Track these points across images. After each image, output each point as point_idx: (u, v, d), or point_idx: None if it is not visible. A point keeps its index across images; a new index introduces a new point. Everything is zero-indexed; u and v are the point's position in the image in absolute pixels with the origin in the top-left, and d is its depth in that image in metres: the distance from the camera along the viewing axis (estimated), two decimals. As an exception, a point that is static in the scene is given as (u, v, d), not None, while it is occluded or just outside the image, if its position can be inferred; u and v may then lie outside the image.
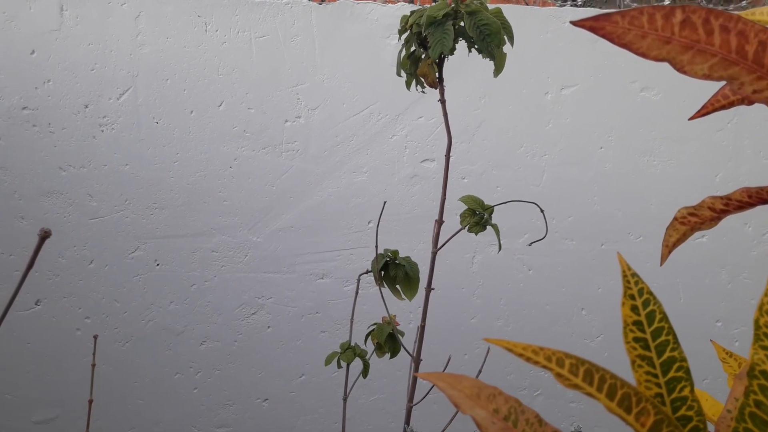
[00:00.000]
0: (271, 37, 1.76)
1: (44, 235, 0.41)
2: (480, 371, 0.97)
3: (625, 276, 0.32)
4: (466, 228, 0.84)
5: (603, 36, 0.31)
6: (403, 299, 1.03)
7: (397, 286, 1.04)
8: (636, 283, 0.32)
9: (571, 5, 2.10)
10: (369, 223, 1.89)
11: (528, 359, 0.30)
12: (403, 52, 0.87)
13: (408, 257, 1.03)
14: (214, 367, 1.90)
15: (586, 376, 0.30)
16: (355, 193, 1.87)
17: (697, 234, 2.05)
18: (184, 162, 1.78)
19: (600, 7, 1.92)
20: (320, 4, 1.78)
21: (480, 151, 1.92)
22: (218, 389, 1.91)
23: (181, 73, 1.74)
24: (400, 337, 1.01)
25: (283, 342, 1.92)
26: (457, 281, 1.96)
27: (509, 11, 1.88)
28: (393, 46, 1.83)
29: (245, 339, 1.91)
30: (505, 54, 0.86)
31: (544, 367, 0.29)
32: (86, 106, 1.72)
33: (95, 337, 0.84)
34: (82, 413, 1.83)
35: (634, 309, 0.32)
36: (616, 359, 2.06)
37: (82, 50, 1.69)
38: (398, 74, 0.86)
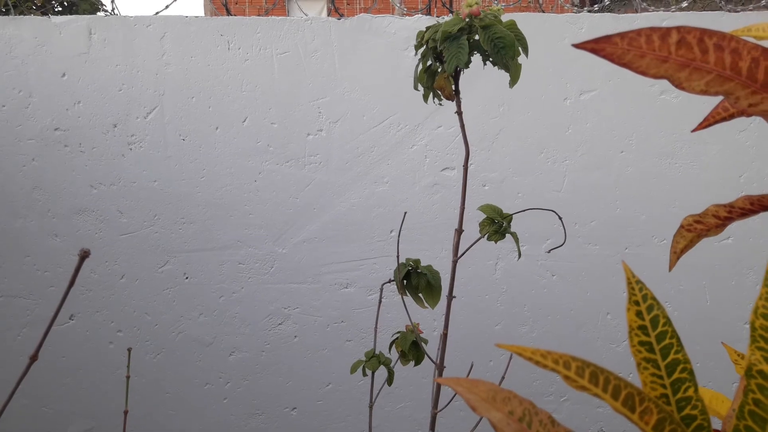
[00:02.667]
0: (292, 53, 1.80)
1: (84, 255, 0.44)
2: (503, 377, 0.99)
3: (629, 283, 0.34)
4: (486, 237, 0.86)
5: (604, 57, 0.33)
6: (426, 307, 1.05)
7: (420, 295, 1.06)
8: (640, 289, 0.33)
9: (588, 11, 2.11)
10: (391, 232, 1.92)
11: (537, 363, 0.32)
12: (420, 67, 0.89)
13: (430, 266, 1.05)
14: (242, 377, 1.94)
15: (591, 377, 0.31)
16: (376, 203, 1.90)
17: (722, 235, 2.04)
18: (211, 177, 1.83)
19: (617, 12, 1.92)
20: (339, 19, 1.81)
21: (500, 159, 1.93)
22: (247, 399, 1.95)
23: (206, 90, 1.79)
24: (424, 345, 1.02)
25: (310, 351, 1.95)
26: (481, 288, 1.97)
27: (527, 19, 1.89)
28: (411, 58, 1.86)
29: (272, 349, 1.94)
30: (520, 65, 0.88)
31: (553, 370, 0.31)
32: (115, 126, 1.78)
33: (129, 350, 0.87)
34: (116, 425, 1.87)
35: (639, 314, 0.34)
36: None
37: (110, 72, 1.75)
38: (415, 88, 0.89)
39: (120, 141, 1.78)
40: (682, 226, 0.41)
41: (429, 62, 0.89)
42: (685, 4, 1.95)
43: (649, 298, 0.34)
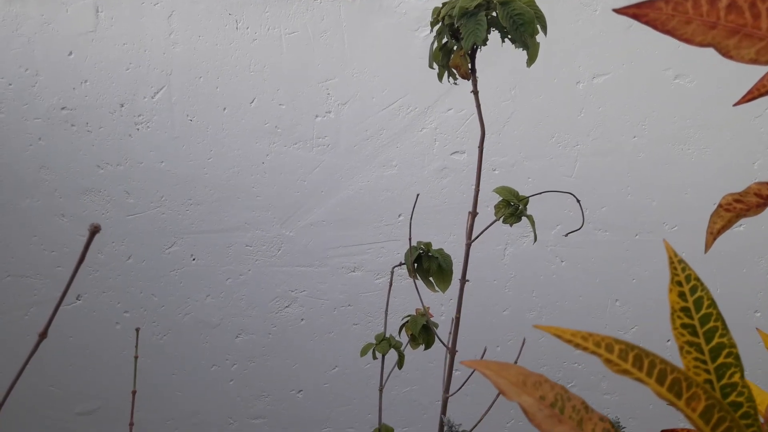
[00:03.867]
0: (301, 33, 1.78)
1: (94, 230, 0.43)
2: (516, 363, 0.97)
3: (672, 262, 0.32)
4: (501, 219, 0.84)
5: (646, 23, 0.31)
6: (437, 291, 1.04)
7: (430, 279, 1.05)
8: (683, 269, 0.32)
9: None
10: (399, 216, 1.90)
11: (577, 345, 0.30)
12: (435, 45, 0.87)
13: (441, 249, 1.03)
14: (249, 359, 1.93)
15: (635, 361, 0.30)
16: (385, 186, 1.88)
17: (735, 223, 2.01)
18: (218, 158, 1.81)
19: (632, -6, 1.88)
20: (349, -2, 1.78)
21: (511, 143, 1.91)
22: (253, 381, 1.94)
23: (214, 70, 1.77)
24: (436, 327, 1.01)
25: (317, 334, 1.95)
26: (489, 273, 1.96)
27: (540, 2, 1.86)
28: (422, 39, 1.83)
29: (279, 331, 1.93)
30: (539, 43, 0.86)
31: (593, 352, 0.30)
32: (122, 105, 1.76)
33: (137, 330, 0.86)
34: (122, 405, 1.88)
35: (682, 295, 0.32)
36: (652, 349, 2.03)
37: (117, 50, 1.73)
38: (430, 66, 0.87)
39: (127, 121, 1.76)
40: (720, 206, 0.40)
41: (444, 40, 0.87)
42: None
43: (693, 279, 0.32)
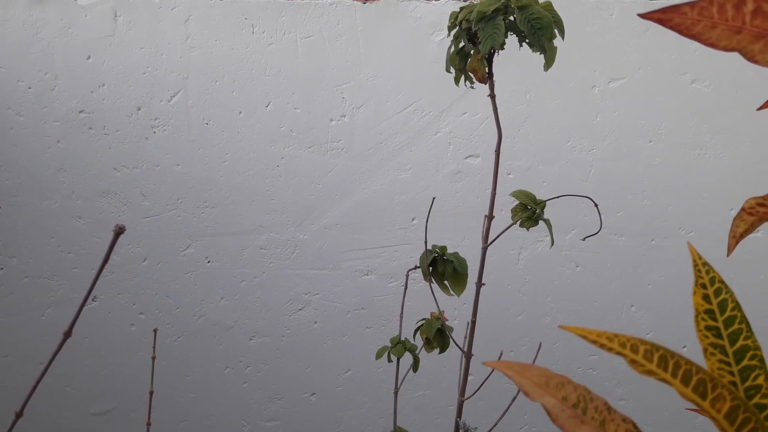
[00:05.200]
0: (316, 38, 1.79)
1: (119, 231, 0.43)
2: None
3: (696, 265, 0.32)
4: (518, 223, 0.84)
5: (671, 28, 0.31)
6: (452, 295, 1.03)
7: (445, 282, 1.05)
8: (707, 272, 0.32)
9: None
10: (413, 220, 1.90)
11: (602, 346, 0.30)
12: (452, 49, 0.87)
13: (456, 253, 1.03)
14: (262, 362, 1.94)
15: (660, 362, 0.30)
16: (399, 190, 1.88)
17: (751, 229, 1.99)
18: (233, 161, 1.82)
19: (648, -2, 1.88)
20: (364, 3, 1.79)
21: (526, 147, 1.91)
22: (267, 383, 1.95)
23: (230, 74, 1.78)
24: (451, 330, 1.01)
25: (330, 337, 1.95)
26: (503, 278, 1.95)
27: (556, 3, 1.86)
28: (436, 43, 1.83)
29: (293, 334, 1.94)
30: (556, 48, 0.86)
31: (619, 353, 0.30)
32: (139, 109, 1.78)
33: (155, 331, 0.87)
34: (137, 405, 1.89)
35: (706, 298, 0.32)
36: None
37: (134, 54, 1.74)
38: (447, 70, 0.87)
39: (144, 124, 1.78)
40: (743, 209, 0.39)
41: (462, 44, 0.87)
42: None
43: (717, 282, 0.32)
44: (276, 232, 1.88)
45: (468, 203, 1.89)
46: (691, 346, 2.04)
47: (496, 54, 0.84)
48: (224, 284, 1.89)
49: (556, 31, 0.81)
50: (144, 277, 1.85)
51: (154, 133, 1.78)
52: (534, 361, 1.00)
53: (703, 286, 0.32)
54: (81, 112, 1.76)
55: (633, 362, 0.30)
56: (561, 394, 0.30)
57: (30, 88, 1.74)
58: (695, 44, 1.72)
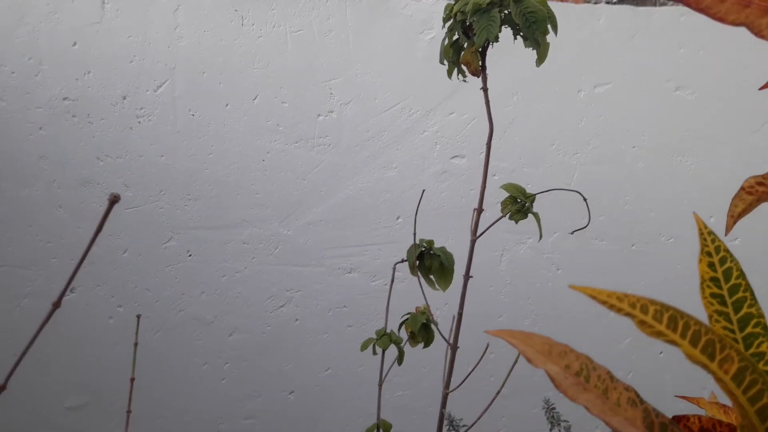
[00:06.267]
0: (306, 32, 1.78)
1: (113, 200, 0.42)
2: (510, 372, 0.97)
3: (701, 234, 0.32)
4: (508, 216, 0.84)
5: (680, 1, 0.31)
6: (437, 289, 1.03)
7: (431, 276, 1.05)
8: (713, 240, 0.32)
9: (606, 3, 2.09)
10: (398, 218, 1.90)
11: (612, 306, 0.30)
12: (446, 41, 0.87)
13: (443, 248, 1.03)
14: (242, 359, 1.92)
15: (670, 322, 0.30)
16: (385, 188, 1.88)
17: (731, 236, 2.02)
18: (219, 154, 1.81)
19: (636, 5, 1.90)
20: (355, -1, 1.79)
21: (511, 149, 1.92)
22: (246, 380, 1.93)
23: (218, 66, 1.77)
24: (436, 325, 1.01)
25: (311, 335, 1.94)
26: (485, 279, 1.96)
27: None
28: (426, 41, 1.83)
29: (273, 331, 1.92)
30: (549, 43, 0.87)
31: (628, 314, 0.30)
32: (124, 98, 1.75)
33: (138, 317, 0.86)
34: (113, 399, 1.86)
35: (711, 266, 0.32)
36: (643, 362, 2.04)
37: (121, 42, 1.72)
38: (441, 62, 0.87)
39: (129, 113, 1.76)
40: (742, 188, 0.40)
41: (455, 36, 0.87)
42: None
43: (722, 250, 0.33)
44: (259, 227, 1.86)
45: (453, 203, 1.90)
46: (668, 352, 2.06)
47: (490, 47, 0.84)
48: (205, 278, 1.87)
49: (549, 26, 0.82)
50: (124, 270, 1.83)
51: (139, 122, 1.76)
52: (513, 366, 1.00)
53: (709, 254, 0.32)
54: (65, 99, 1.73)
55: (642, 323, 0.30)
56: (564, 362, 0.30)
57: (13, 73, 1.71)
58: (680, 51, 1.75)
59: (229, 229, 1.85)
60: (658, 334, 0.30)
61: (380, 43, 1.82)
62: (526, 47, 0.86)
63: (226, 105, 1.79)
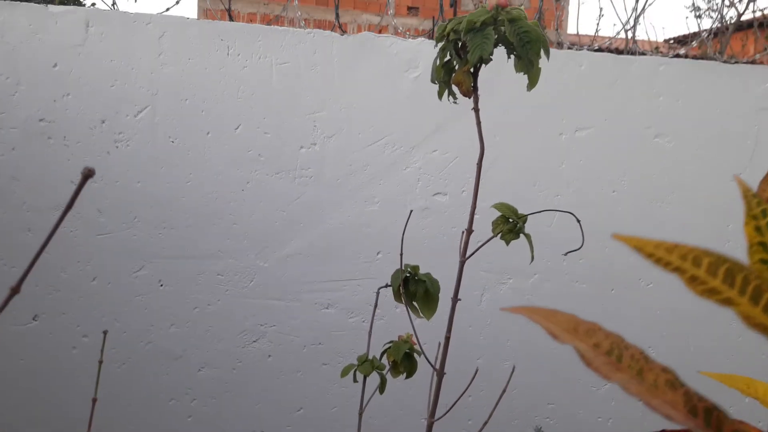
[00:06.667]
0: (292, 65, 1.78)
1: (87, 174, 0.39)
2: (492, 413, 0.93)
3: (746, 197, 0.30)
4: (499, 236, 0.82)
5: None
6: (421, 317, 1.00)
7: (414, 303, 1.01)
8: (758, 203, 0.30)
9: (588, 49, 2.13)
10: (378, 254, 1.87)
11: (659, 260, 0.27)
12: (438, 62, 0.87)
13: (428, 274, 1.00)
14: (210, 396, 1.84)
15: (726, 277, 0.27)
16: (365, 222, 1.86)
17: (722, 240, 2.02)
18: (197, 183, 1.77)
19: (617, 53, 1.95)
20: (342, 35, 1.80)
21: (493, 187, 1.91)
22: (213, 419, 1.85)
23: (201, 94, 1.75)
24: (417, 356, 0.97)
25: (283, 373, 1.87)
26: (465, 319, 1.92)
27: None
28: (411, 80, 1.84)
29: (244, 367, 1.85)
30: (540, 68, 0.86)
31: (677, 269, 0.27)
32: (103, 122, 1.72)
33: (105, 333, 0.81)
34: (71, 436, 1.76)
35: (758, 229, 0.30)
36: (624, 408, 2.00)
37: (104, 66, 1.70)
38: (432, 81, 0.86)
39: (106, 138, 1.72)
40: (768, 174, 0.38)
41: (447, 57, 0.86)
42: (682, 51, 1.98)
43: (769, 213, 0.30)
44: (235, 258, 1.82)
45: (435, 241, 1.87)
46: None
47: (481, 68, 0.84)
48: (176, 310, 1.81)
49: (542, 50, 0.82)
50: (92, 298, 1.76)
51: (117, 147, 1.73)
52: (495, 407, 0.97)
53: (755, 218, 0.30)
54: (41, 120, 1.69)
55: (692, 280, 0.27)
56: (592, 340, 0.27)
57: (-11, 92, 1.67)
58: (660, 99, 1.78)
59: (204, 260, 1.80)
60: (711, 292, 0.27)
61: (365, 80, 1.82)
62: (517, 71, 0.86)
63: (208, 133, 1.76)
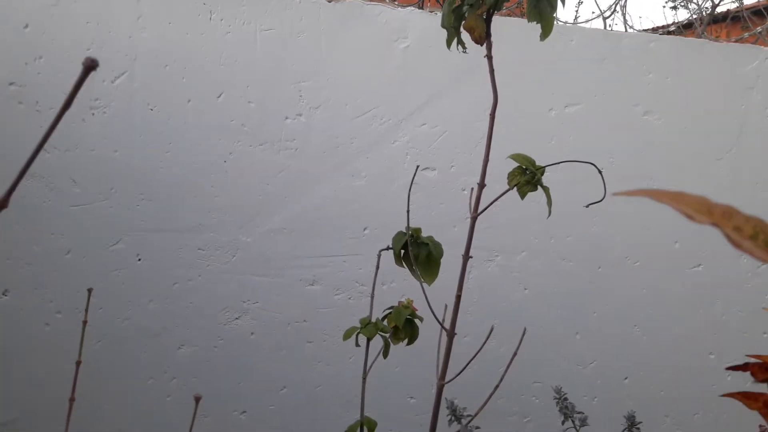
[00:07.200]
0: (277, 31, 1.72)
1: (91, 65, 0.34)
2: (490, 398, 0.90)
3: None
4: (515, 188, 0.78)
5: None
6: (423, 282, 0.96)
7: (414, 268, 0.97)
8: None
9: (579, 23, 2.11)
10: (365, 230, 1.82)
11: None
12: (447, 7, 0.82)
13: (431, 237, 0.96)
14: (190, 374, 1.78)
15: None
16: (352, 197, 1.81)
17: (693, 262, 2.03)
18: (177, 153, 1.70)
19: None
20: (329, 1, 1.74)
21: (481, 164, 1.87)
22: (193, 398, 1.78)
23: (181, 60, 1.67)
24: (419, 321, 0.93)
25: (266, 351, 1.82)
26: (451, 294, 1.88)
27: (519, 25, 1.86)
28: (401, 50, 1.79)
29: (226, 345, 1.80)
30: (553, 18, 0.82)
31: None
32: (78, 87, 1.63)
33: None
34: (43, 416, 1.68)
35: None
36: (609, 386, 2.00)
37: (79, 28, 1.62)
38: (443, 26, 0.81)
39: (82, 104, 1.64)
40: None
41: (457, 3, 0.82)
42: (672, 28, 1.97)
43: None
44: (217, 232, 1.75)
45: (421, 217, 1.83)
46: (633, 378, 2.02)
47: (494, 14, 0.79)
48: (155, 286, 1.74)
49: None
50: (65, 272, 1.68)
51: (93, 114, 1.64)
52: (514, 356, 0.93)
53: None
54: (12, 84, 1.60)
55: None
56: (731, 224, 0.23)
57: (-45, 52, 1.58)
58: (649, 76, 1.75)
59: (184, 234, 1.73)
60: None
61: (353, 49, 1.77)
62: (530, 21, 0.82)
63: (188, 101, 1.69)
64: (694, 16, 3.34)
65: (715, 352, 2.06)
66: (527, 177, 0.77)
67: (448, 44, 0.83)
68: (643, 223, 1.98)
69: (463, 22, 0.79)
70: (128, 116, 1.66)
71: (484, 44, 0.78)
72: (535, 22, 0.82)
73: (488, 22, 0.79)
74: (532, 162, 0.79)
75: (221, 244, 1.75)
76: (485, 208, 0.83)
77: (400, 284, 1.80)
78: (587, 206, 0.97)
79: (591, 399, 2.01)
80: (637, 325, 2.01)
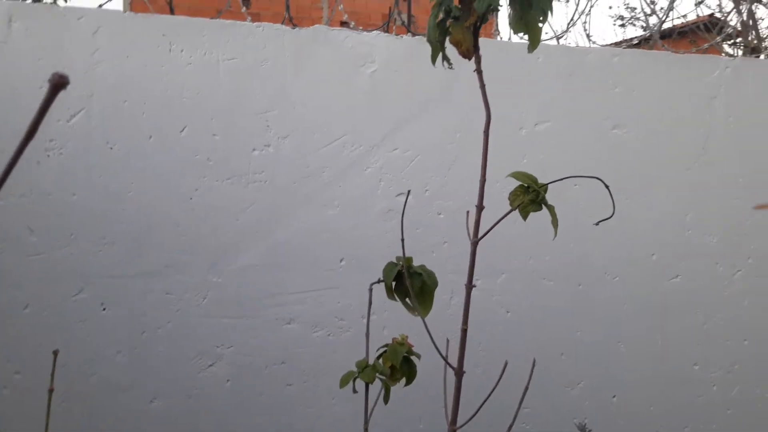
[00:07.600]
0: (240, 60, 1.66)
1: (59, 82, 0.27)
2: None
3: None
4: (518, 208, 0.73)
5: None
6: (417, 315, 0.90)
7: (407, 300, 0.91)
8: None
9: (543, 41, 2.11)
10: (341, 261, 1.76)
11: None
12: (432, 21, 0.78)
13: (423, 266, 0.90)
14: (164, 429, 1.67)
15: None
16: (325, 228, 1.74)
17: (671, 274, 2.02)
18: (139, 192, 1.61)
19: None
20: (293, 28, 1.69)
21: (456, 187, 1.84)
22: (169, 453, 1.67)
23: (141, 94, 1.60)
24: (416, 359, 0.87)
25: (245, 398, 1.72)
26: (434, 324, 1.82)
27: (485, 45, 1.84)
28: (368, 75, 1.76)
29: (201, 395, 1.69)
30: (541, 29, 0.79)
31: None
32: (30, 129, 1.54)
33: (55, 353, 0.66)
34: (4, 486, 1.55)
35: None
36: (599, 407, 1.95)
37: (30, 66, 1.53)
38: (429, 40, 0.77)
39: (36, 146, 1.54)
40: None
41: (441, 17, 0.77)
42: (624, 46, 1.99)
43: None
44: (185, 273, 1.66)
45: (400, 244, 1.77)
46: (621, 396, 1.99)
47: (481, 27, 0.75)
48: (122, 336, 1.63)
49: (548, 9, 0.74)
50: (24, 328, 1.56)
51: (48, 156, 1.55)
52: (524, 395, 0.87)
53: None
54: (-43, 129, 1.50)
55: None
56: None
57: None
58: (617, 89, 1.73)
59: (150, 278, 1.64)
60: None
61: (320, 75, 1.72)
62: (516, 32, 0.78)
63: (150, 137, 1.61)
64: (646, 33, 3.41)
65: (699, 363, 2.04)
66: (531, 196, 0.72)
67: (433, 60, 0.79)
68: (618, 238, 1.97)
69: (448, 37, 0.75)
70: (86, 156, 1.57)
71: (472, 59, 0.74)
72: (521, 35, 0.78)
73: (476, 35, 0.74)
74: (534, 180, 0.75)
75: (190, 286, 1.66)
76: (486, 233, 0.78)
77: (381, 316, 1.73)
78: (597, 224, 0.93)
79: (581, 420, 1.96)
80: (621, 341, 1.99)
